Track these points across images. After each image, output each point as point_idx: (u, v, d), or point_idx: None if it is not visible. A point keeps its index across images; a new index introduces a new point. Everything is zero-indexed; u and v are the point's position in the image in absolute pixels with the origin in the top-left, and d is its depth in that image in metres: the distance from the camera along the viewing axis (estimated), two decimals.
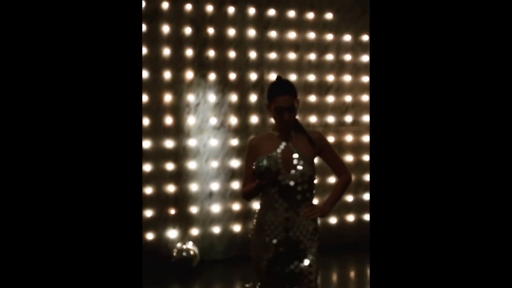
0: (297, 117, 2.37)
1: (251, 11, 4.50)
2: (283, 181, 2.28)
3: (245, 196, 2.44)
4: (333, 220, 4.73)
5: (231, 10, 4.43)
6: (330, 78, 4.77)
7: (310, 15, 4.66)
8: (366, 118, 4.95)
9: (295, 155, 2.30)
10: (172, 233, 4.27)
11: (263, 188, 2.29)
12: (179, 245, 4.16)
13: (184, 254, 4.11)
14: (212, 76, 4.37)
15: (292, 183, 2.27)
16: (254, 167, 2.17)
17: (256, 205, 4.07)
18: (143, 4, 4.06)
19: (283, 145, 2.34)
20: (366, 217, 5.03)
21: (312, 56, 4.66)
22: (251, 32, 4.50)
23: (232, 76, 4.43)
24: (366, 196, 4.86)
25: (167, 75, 4.26)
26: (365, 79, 4.95)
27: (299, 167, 2.29)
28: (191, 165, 4.33)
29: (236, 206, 4.46)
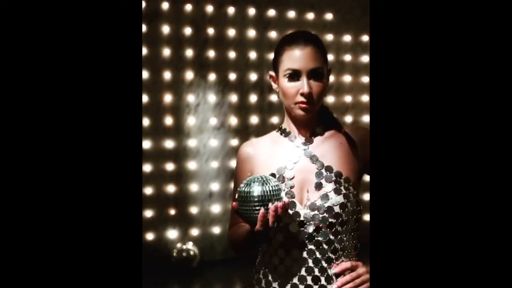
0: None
1: (251, 11, 4.50)
2: (292, 223, 1.24)
3: (233, 246, 1.39)
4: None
5: (231, 10, 4.43)
6: (330, 78, 4.77)
7: (310, 16, 4.66)
8: (366, 118, 4.95)
9: (321, 173, 1.27)
10: (172, 234, 4.27)
11: (261, 238, 1.21)
12: (179, 245, 4.16)
13: (184, 254, 4.11)
14: (212, 77, 4.38)
15: (311, 228, 1.24)
16: (235, 199, 1.18)
17: None
18: (143, 4, 4.06)
19: (298, 152, 1.31)
20: (366, 217, 5.03)
21: None
22: (251, 33, 4.50)
23: (232, 76, 4.43)
24: (366, 196, 4.86)
25: (167, 75, 4.26)
26: (365, 79, 4.96)
27: (327, 197, 1.25)
28: (191, 165, 4.33)
29: None
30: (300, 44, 1.28)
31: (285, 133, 1.37)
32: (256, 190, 1.14)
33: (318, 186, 1.27)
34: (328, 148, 1.31)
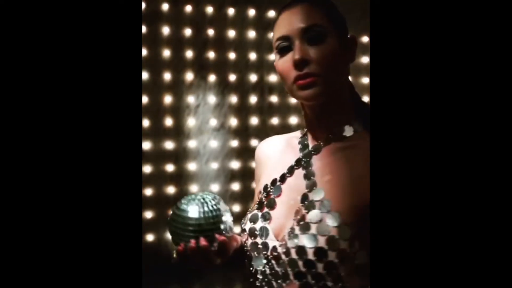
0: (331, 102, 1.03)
1: (251, 12, 4.50)
2: (256, 257, 0.95)
3: None
4: None
5: (231, 11, 4.43)
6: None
7: None
8: None
9: (305, 198, 0.94)
10: None
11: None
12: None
13: None
14: (212, 78, 4.37)
15: (280, 274, 0.95)
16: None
17: None
18: (143, 5, 4.06)
19: (297, 161, 0.99)
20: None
21: None
22: (251, 34, 4.50)
23: (232, 77, 4.43)
24: None
25: (167, 76, 4.26)
26: (365, 80, 4.95)
27: (293, 233, 0.92)
28: (191, 166, 4.33)
29: (236, 208, 4.46)
30: (290, 6, 0.95)
31: (303, 133, 1.09)
32: (191, 212, 0.85)
33: (296, 214, 0.91)
34: (340, 163, 0.93)
